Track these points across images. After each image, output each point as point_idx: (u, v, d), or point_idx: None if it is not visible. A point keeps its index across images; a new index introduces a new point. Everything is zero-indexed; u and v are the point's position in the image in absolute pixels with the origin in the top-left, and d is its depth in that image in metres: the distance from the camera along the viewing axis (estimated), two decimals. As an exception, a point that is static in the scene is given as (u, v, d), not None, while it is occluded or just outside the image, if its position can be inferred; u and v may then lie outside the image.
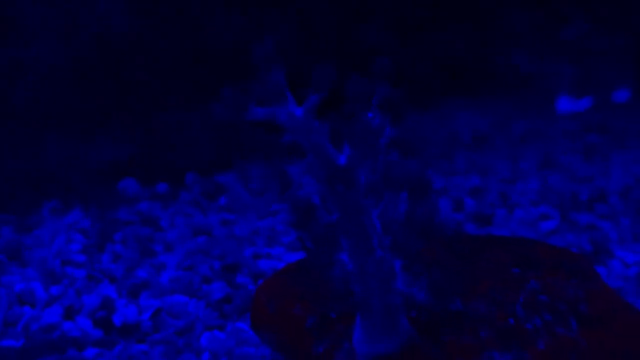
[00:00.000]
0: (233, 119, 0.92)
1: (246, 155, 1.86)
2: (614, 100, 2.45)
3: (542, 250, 1.30)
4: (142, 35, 1.74)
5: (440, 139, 2.03)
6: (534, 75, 2.54)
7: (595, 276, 1.23)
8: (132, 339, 1.33)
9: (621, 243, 1.55)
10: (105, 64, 1.72)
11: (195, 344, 1.34)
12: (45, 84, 1.69)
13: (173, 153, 1.83)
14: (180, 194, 1.82)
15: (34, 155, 1.73)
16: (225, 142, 1.83)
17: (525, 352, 1.00)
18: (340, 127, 0.97)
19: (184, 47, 1.78)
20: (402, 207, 1.03)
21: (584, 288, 1.12)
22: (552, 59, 2.60)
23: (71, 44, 1.68)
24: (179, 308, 1.43)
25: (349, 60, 2.09)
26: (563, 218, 1.66)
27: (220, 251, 1.59)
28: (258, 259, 1.55)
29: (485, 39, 2.53)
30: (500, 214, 1.67)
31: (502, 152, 2.03)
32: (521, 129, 2.19)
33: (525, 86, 2.49)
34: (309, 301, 1.21)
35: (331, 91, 1.06)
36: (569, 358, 0.99)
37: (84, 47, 1.70)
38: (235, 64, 1.96)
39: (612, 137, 2.12)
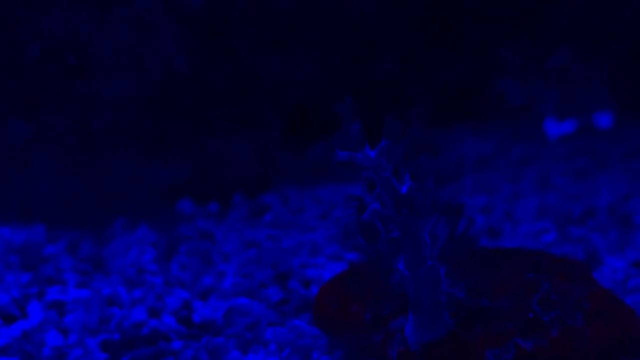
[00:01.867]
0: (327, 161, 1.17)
1: (285, 179, 2.11)
2: (599, 125, 2.74)
3: (549, 259, 1.57)
4: (197, 71, 1.99)
5: (449, 162, 2.30)
6: (528, 101, 2.82)
7: (593, 279, 1.50)
8: (210, 333, 1.59)
9: (610, 252, 1.83)
10: (166, 97, 1.98)
11: (261, 337, 1.60)
12: (117, 115, 1.94)
13: (222, 176, 2.08)
14: (230, 212, 2.07)
15: (106, 177, 1.98)
16: (267, 166, 2.09)
17: (543, 339, 1.26)
18: (400, 165, 1.23)
19: (232, 81, 2.03)
20: (444, 227, 1.30)
21: (586, 289, 1.39)
22: (542, 87, 2.88)
23: (139, 80, 1.93)
24: (244, 308, 1.68)
25: (368, 93, 2.35)
26: (560, 231, 1.94)
27: (271, 261, 1.85)
28: (305, 268, 1.81)
29: (481, 69, 2.80)
30: (506, 229, 1.94)
31: (503, 173, 2.30)
32: (519, 153, 2.47)
33: (523, 112, 2.77)
34: (365, 301, 1.47)
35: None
36: (577, 343, 1.26)
37: (149, 82, 1.95)
38: (276, 95, 2.23)
39: (598, 160, 2.41)
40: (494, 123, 2.65)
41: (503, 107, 2.77)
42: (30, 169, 2.01)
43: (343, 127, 1.21)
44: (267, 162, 2.11)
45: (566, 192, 2.17)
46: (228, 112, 2.09)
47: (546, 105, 2.82)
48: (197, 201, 2.13)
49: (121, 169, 2.01)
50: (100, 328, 1.64)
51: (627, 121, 2.68)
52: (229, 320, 1.66)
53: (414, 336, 1.33)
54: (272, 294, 1.77)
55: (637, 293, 1.68)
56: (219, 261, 1.89)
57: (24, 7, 1.88)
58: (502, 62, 2.88)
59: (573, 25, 2.88)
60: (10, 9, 1.89)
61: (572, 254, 1.82)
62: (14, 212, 2.01)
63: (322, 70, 2.27)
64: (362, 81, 2.44)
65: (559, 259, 1.63)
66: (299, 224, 2.04)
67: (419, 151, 1.27)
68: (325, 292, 1.58)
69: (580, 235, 1.91)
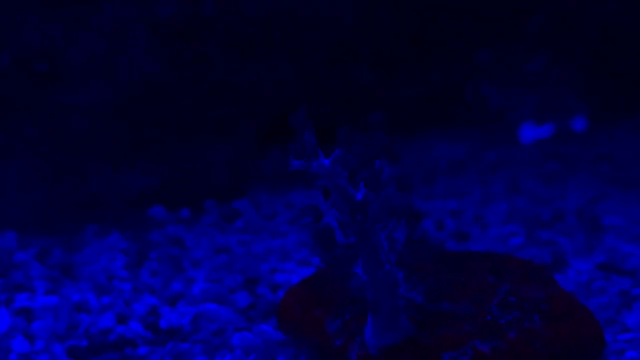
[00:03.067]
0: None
1: (256, 185, 2.13)
2: (570, 129, 2.77)
3: (511, 262, 1.59)
4: (170, 79, 2.01)
5: (421, 167, 2.32)
6: (501, 106, 2.84)
7: (553, 282, 1.52)
8: (177, 339, 1.60)
9: (576, 255, 1.85)
10: (138, 105, 1.99)
11: (228, 342, 1.61)
12: (89, 122, 1.95)
13: (193, 182, 2.09)
14: (202, 218, 2.08)
15: (77, 184, 1.98)
16: (239, 173, 2.10)
17: (501, 341, 1.27)
18: (355, 172, 1.24)
19: (204, 88, 2.05)
20: (402, 231, 1.31)
21: (545, 291, 1.40)
22: (516, 92, 2.91)
23: (111, 88, 1.94)
24: (212, 314, 1.69)
25: (344, 99, 2.37)
26: (528, 235, 1.95)
27: (240, 266, 1.86)
28: (274, 273, 1.82)
29: (454, 75, 2.83)
30: (475, 232, 1.95)
31: (474, 178, 2.32)
32: (491, 157, 2.49)
33: (494, 117, 2.79)
34: (328, 306, 1.48)
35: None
36: (534, 345, 1.27)
37: (121, 90, 1.96)
38: (248, 102, 2.24)
39: (568, 164, 2.43)
40: (467, 128, 2.68)
41: (475, 112, 2.80)
42: (1, 176, 2.02)
43: (297, 136, 1.23)
44: (239, 168, 2.13)
45: (536, 195, 2.20)
46: (200, 119, 2.10)
47: (519, 110, 2.84)
48: (169, 208, 2.15)
49: (93, 177, 2.01)
50: (68, 334, 1.65)
51: (598, 126, 2.71)
52: (196, 326, 1.67)
53: (373, 340, 1.34)
54: (240, 299, 1.78)
55: (601, 295, 1.70)
56: (189, 267, 1.90)
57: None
58: (475, 68, 2.90)
59: (546, 31, 2.91)
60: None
61: (538, 257, 1.84)
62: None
63: (294, 76, 2.29)
64: (335, 88, 2.46)
65: (522, 262, 1.65)
66: (269, 229, 2.05)
67: (378, 158, 1.28)
68: (290, 297, 1.59)
69: (547, 239, 1.93)
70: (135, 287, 1.80)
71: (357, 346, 1.35)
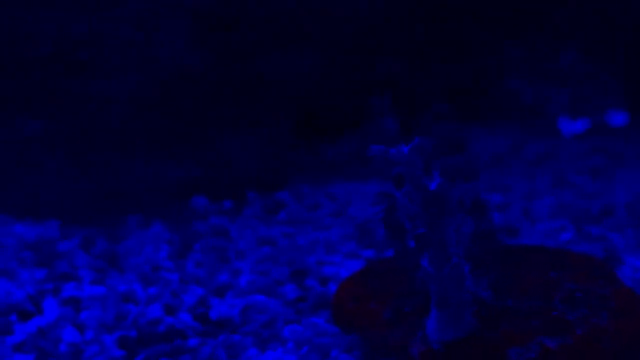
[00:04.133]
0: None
1: (297, 176, 2.10)
2: (612, 124, 2.73)
3: (570, 257, 1.55)
4: (210, 69, 1.98)
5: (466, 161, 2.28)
6: (539, 99, 2.80)
7: (616, 278, 1.48)
8: (227, 331, 1.58)
9: (629, 251, 1.81)
10: (177, 95, 1.96)
11: (279, 334, 1.58)
12: (130, 113, 1.93)
13: (234, 173, 2.07)
14: (244, 209, 2.06)
15: (119, 174, 1.96)
16: (279, 164, 2.08)
17: (568, 337, 1.24)
18: (430, 162, 1.21)
19: (245, 78, 2.02)
20: (469, 223, 1.29)
21: (610, 287, 1.37)
22: (553, 85, 2.87)
23: (152, 78, 1.92)
24: (261, 306, 1.67)
25: (379, 91, 2.33)
26: (578, 230, 1.92)
27: (286, 259, 1.83)
28: (321, 265, 1.79)
29: (491, 68, 2.79)
30: (525, 227, 1.92)
31: (518, 171, 2.29)
32: (534, 151, 2.45)
33: (533, 110, 2.75)
34: (384, 298, 1.45)
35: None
36: (601, 341, 1.24)
37: (162, 80, 1.93)
38: (289, 92, 2.22)
39: (614, 158, 2.39)
40: (506, 121, 2.64)
41: (515, 106, 2.76)
42: (43, 167, 2.00)
43: (377, 121, 1.20)
44: (280, 159, 2.10)
45: (583, 190, 2.16)
46: (240, 109, 2.07)
47: (559, 103, 2.80)
48: (211, 199, 2.12)
49: (135, 167, 1.99)
50: (116, 325, 1.63)
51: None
52: (245, 318, 1.65)
53: (436, 334, 1.31)
54: (289, 291, 1.75)
55: (658, 292, 1.67)
56: (234, 258, 1.88)
57: (29, 5, 1.87)
58: (513, 61, 2.86)
59: (584, 23, 2.87)
60: (16, 7, 1.88)
61: (590, 252, 1.81)
62: (27, 209, 2.00)
63: (333, 68, 2.26)
64: (372, 79, 2.43)
65: (580, 257, 1.62)
66: (313, 221, 2.03)
67: (448, 148, 1.25)
68: (343, 289, 1.56)
69: (598, 234, 1.89)
70: (181, 278, 1.78)
71: (419, 341, 1.32)
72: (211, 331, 1.59)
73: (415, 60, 2.60)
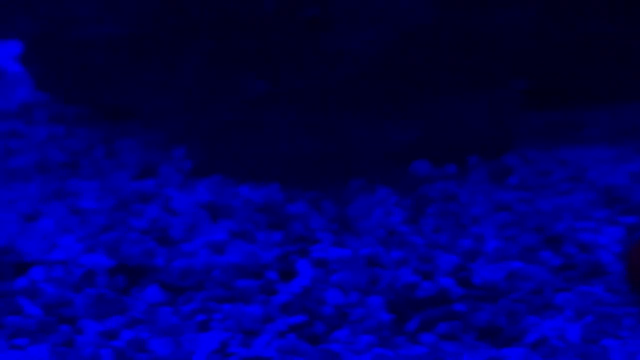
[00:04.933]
0: None
1: (521, 140, 1.98)
2: None
3: None
4: (438, 25, 1.88)
5: None
6: None
7: None
8: (493, 297, 1.48)
9: None
10: (404, 52, 1.88)
11: (552, 303, 1.48)
12: (356, 72, 1.85)
13: (456, 137, 1.97)
14: (470, 174, 1.96)
15: (339, 136, 1.89)
16: (503, 127, 1.97)
17: None
18: None
19: (471, 36, 1.92)
20: None
21: None
22: None
23: (379, 35, 1.84)
24: (524, 272, 1.57)
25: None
26: None
27: (532, 225, 1.72)
28: (576, 232, 1.68)
29: None
30: None
31: None
32: None
33: None
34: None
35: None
36: None
37: (390, 37, 1.85)
38: (516, 53, 2.10)
39: None
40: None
41: None
42: (266, 127, 1.95)
43: None
44: (504, 122, 1.99)
45: None
46: (465, 69, 1.97)
47: None
48: (433, 163, 2.03)
49: (355, 129, 1.91)
50: (370, 288, 1.56)
51: None
52: (511, 284, 1.54)
53: None
54: (549, 258, 1.64)
55: None
56: (470, 224, 1.78)
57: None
58: None
59: None
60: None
61: None
62: (250, 171, 1.95)
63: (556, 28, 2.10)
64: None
65: None
66: (548, 186, 1.91)
67: None
68: (636, 255, 1.45)
69: None
70: (425, 242, 1.70)
71: None
72: (479, 295, 1.50)
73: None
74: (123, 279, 1.51)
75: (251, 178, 1.89)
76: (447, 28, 1.92)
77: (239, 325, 1.37)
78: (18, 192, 1.84)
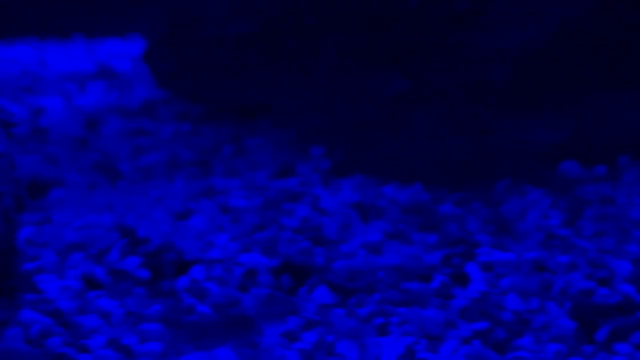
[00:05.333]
0: None
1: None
2: None
3: None
4: (590, 24, 1.82)
5: None
6: None
7: None
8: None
9: None
10: (555, 51, 1.82)
11: None
12: (505, 70, 1.80)
13: (603, 137, 1.90)
14: (622, 175, 1.89)
15: (485, 136, 1.84)
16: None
17: None
18: None
19: (625, 36, 1.85)
20: None
21: None
22: None
23: (534, 32, 1.78)
24: None
25: None
26: None
27: None
28: None
29: None
30: None
31: None
32: None
33: None
34: None
35: None
36: None
37: (543, 33, 1.79)
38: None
39: None
40: None
41: None
42: (408, 126, 1.90)
43: None
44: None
45: None
46: (617, 67, 1.90)
47: None
48: (582, 163, 1.96)
49: (502, 127, 1.86)
50: (544, 294, 1.50)
51: None
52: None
53: None
54: None
55: None
56: (632, 228, 1.71)
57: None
58: None
59: None
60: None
61: None
62: (391, 170, 1.90)
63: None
64: None
65: None
66: None
67: None
68: None
69: None
70: (591, 247, 1.64)
71: None
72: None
73: None
74: (287, 279, 1.49)
75: (393, 178, 1.85)
76: (600, 25, 1.85)
77: (421, 330, 1.33)
78: (161, 190, 1.83)
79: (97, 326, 1.31)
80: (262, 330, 1.31)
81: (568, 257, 1.57)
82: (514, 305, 1.39)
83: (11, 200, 0.97)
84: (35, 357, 1.13)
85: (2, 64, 2.80)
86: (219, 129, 2.25)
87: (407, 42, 1.85)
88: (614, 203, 1.77)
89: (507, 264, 1.53)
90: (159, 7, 2.36)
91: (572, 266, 1.54)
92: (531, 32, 1.77)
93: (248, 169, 2.03)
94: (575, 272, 1.52)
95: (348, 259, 1.56)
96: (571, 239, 1.64)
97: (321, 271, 1.51)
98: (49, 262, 1.51)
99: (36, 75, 2.76)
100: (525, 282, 1.48)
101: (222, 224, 1.68)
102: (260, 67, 2.11)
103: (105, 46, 3.08)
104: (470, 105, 1.80)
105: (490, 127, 1.84)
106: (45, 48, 3.13)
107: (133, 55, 2.65)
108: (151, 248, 1.54)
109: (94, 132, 2.19)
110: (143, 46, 2.42)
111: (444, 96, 1.81)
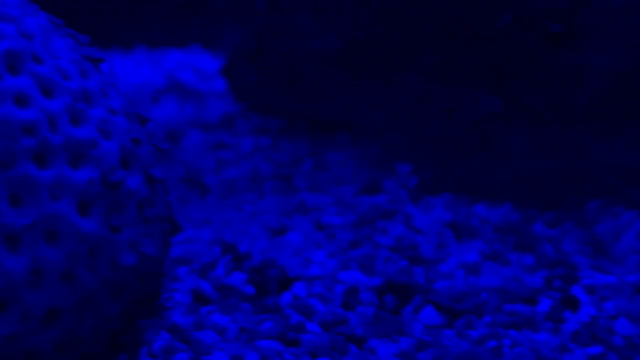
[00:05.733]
0: None
1: None
2: None
3: None
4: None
5: None
6: None
7: None
8: None
9: None
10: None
11: None
12: (599, 89, 1.80)
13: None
14: None
15: (576, 156, 1.84)
16: None
17: None
18: None
19: None
20: None
21: None
22: None
23: (629, 51, 1.77)
24: None
25: None
26: None
27: None
28: None
29: None
30: None
31: None
32: None
33: None
34: None
35: None
36: None
37: (636, 56, 1.79)
38: None
39: None
40: None
41: None
42: (497, 145, 1.90)
43: None
44: None
45: None
46: None
47: None
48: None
49: (594, 147, 1.85)
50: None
51: None
52: None
53: None
54: None
55: None
56: None
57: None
58: None
59: None
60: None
61: None
62: (481, 189, 1.90)
63: None
64: None
65: None
66: None
67: None
68: None
69: None
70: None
71: None
72: None
73: None
74: (391, 298, 1.49)
75: (483, 197, 1.85)
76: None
77: (535, 354, 1.33)
78: (253, 205, 1.84)
79: (214, 342, 1.33)
80: (375, 350, 1.32)
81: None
82: (624, 330, 1.40)
83: (168, 224, 0.99)
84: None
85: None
86: (297, 143, 2.27)
87: (499, 61, 1.86)
88: None
89: (609, 287, 1.53)
90: (251, 20, 2.36)
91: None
92: (622, 54, 1.76)
93: (332, 185, 2.04)
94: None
95: (449, 280, 1.56)
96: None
97: (424, 291, 1.51)
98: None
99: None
100: (631, 305, 1.48)
101: (318, 241, 1.69)
102: (344, 82, 2.12)
103: (170, 57, 3.11)
104: (561, 125, 1.80)
105: (581, 147, 1.83)
106: (111, 59, 3.18)
107: (200, 67, 2.68)
108: (255, 264, 1.55)
109: (177, 145, 2.22)
110: (210, 58, 2.44)
111: (535, 115, 1.81)
